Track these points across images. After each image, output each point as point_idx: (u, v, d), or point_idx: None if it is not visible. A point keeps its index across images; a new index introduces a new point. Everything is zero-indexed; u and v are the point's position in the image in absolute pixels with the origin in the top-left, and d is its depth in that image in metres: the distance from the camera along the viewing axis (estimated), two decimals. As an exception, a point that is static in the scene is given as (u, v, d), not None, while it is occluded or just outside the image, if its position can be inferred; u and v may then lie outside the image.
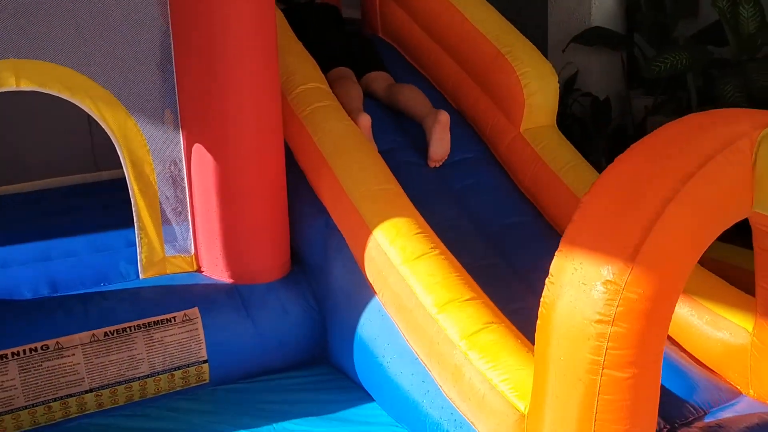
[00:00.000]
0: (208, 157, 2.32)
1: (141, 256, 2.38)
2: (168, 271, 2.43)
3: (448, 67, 2.94)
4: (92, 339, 2.15)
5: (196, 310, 2.30)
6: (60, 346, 2.11)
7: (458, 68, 2.90)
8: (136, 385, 2.23)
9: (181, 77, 2.28)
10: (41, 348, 2.10)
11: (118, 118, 2.23)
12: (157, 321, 2.25)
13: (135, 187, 2.30)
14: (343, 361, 2.33)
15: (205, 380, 2.33)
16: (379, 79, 2.85)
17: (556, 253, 1.54)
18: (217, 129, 2.29)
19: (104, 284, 2.37)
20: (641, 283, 1.39)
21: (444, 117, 2.62)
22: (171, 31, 2.25)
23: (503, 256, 2.39)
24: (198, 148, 2.33)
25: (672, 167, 1.44)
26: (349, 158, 2.31)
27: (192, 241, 2.44)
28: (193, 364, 2.30)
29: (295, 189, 2.47)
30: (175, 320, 2.27)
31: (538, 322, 1.56)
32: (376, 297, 2.17)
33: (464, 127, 2.85)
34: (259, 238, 2.40)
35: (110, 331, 2.18)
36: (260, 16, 2.25)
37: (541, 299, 1.55)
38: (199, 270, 2.47)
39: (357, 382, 2.30)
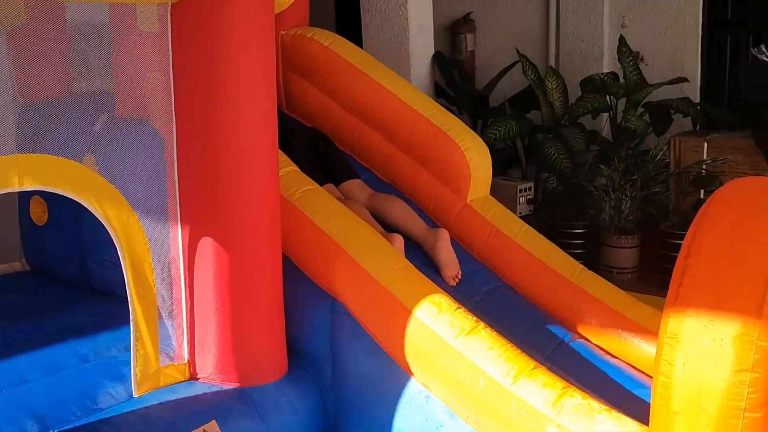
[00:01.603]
0: (210, 255, 2.13)
1: (135, 370, 2.08)
2: (162, 384, 2.16)
3: (377, 143, 3.02)
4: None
5: (214, 423, 2.07)
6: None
7: (389, 144, 2.99)
8: None
9: (184, 174, 2.10)
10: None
11: (121, 215, 1.96)
12: (181, 441, 1.99)
13: (133, 291, 2.03)
14: (368, 450, 2.25)
15: (222, 499, 2.09)
16: (357, 189, 2.81)
17: (666, 314, 1.72)
18: (219, 225, 2.12)
19: (98, 409, 2.03)
20: (766, 332, 1.62)
21: (445, 235, 2.67)
22: (175, 128, 2.07)
23: (498, 322, 2.50)
24: (199, 245, 2.13)
25: (765, 233, 1.71)
26: (362, 239, 2.28)
27: (187, 346, 2.20)
28: (217, 482, 2.06)
29: (286, 278, 2.34)
30: (196, 437, 2.02)
31: (660, 378, 1.71)
32: (413, 378, 2.16)
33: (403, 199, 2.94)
34: (265, 335, 2.24)
35: (134, 464, 1.89)
36: (264, 118, 2.15)
37: (660, 358, 1.71)
38: (193, 378, 2.22)
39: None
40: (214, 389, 2.18)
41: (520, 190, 4.42)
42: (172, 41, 2.02)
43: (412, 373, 2.16)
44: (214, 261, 2.15)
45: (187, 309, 2.18)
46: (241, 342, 2.20)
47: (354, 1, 5.38)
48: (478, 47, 6.28)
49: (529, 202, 4.48)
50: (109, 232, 1.95)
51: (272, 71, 2.14)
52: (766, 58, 4.10)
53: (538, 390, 1.95)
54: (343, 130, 3.09)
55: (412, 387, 2.17)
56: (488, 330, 2.11)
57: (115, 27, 2.02)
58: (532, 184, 4.55)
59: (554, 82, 4.78)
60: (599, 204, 4.35)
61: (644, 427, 1.85)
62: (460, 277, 2.63)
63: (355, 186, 2.82)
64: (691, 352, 1.67)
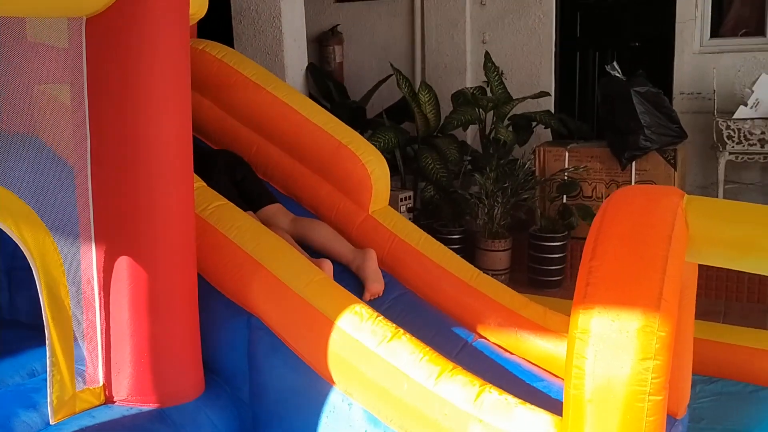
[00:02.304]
0: (126, 275, 2.09)
1: (52, 396, 1.99)
2: (78, 409, 2.08)
3: (277, 156, 3.04)
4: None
5: (137, 446, 2.03)
6: None
7: (289, 158, 3.02)
8: None
9: (97, 193, 2.04)
10: None
11: (37, 237, 1.89)
12: (105, 468, 1.93)
13: (48, 315, 1.95)
14: (291, 461, 2.28)
15: None
16: (279, 214, 2.80)
17: (575, 312, 1.89)
18: (133, 245, 2.09)
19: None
20: (665, 323, 1.83)
21: (373, 255, 2.72)
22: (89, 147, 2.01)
23: (407, 327, 2.60)
24: (114, 266, 2.08)
25: (658, 235, 1.92)
26: (279, 253, 2.31)
27: (102, 369, 2.13)
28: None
29: (200, 295, 2.33)
30: (121, 462, 1.97)
31: (573, 370, 1.88)
32: (335, 387, 2.22)
33: (302, 211, 2.99)
34: (182, 354, 2.22)
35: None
36: (179, 135, 2.12)
37: (573, 352, 1.88)
38: (109, 401, 2.16)
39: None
40: (133, 411, 2.13)
41: (401, 199, 4.58)
42: (86, 56, 1.96)
43: (334, 383, 2.22)
44: (130, 281, 2.10)
45: (102, 331, 2.11)
46: (159, 362, 2.16)
47: (218, 8, 5.34)
48: (346, 59, 6.42)
49: (409, 210, 4.65)
50: (26, 254, 1.87)
51: (187, 87, 2.13)
52: (617, 74, 4.51)
53: (459, 389, 2.07)
54: (239, 143, 3.09)
55: (335, 396, 2.22)
56: (408, 335, 2.21)
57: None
58: (411, 193, 4.73)
59: (427, 96, 5.00)
60: (474, 210, 4.60)
61: (557, 417, 2.02)
62: (380, 294, 2.71)
63: (276, 211, 2.82)
64: (600, 345, 1.84)
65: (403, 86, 4.96)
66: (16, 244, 2.73)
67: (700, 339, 2.59)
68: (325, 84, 5.42)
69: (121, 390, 2.15)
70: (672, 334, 1.84)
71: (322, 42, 6.29)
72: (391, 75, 5.26)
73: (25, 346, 2.47)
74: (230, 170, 2.87)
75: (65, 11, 1.90)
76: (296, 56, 5.10)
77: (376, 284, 2.69)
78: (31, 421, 2.01)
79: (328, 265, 2.52)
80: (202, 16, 2.62)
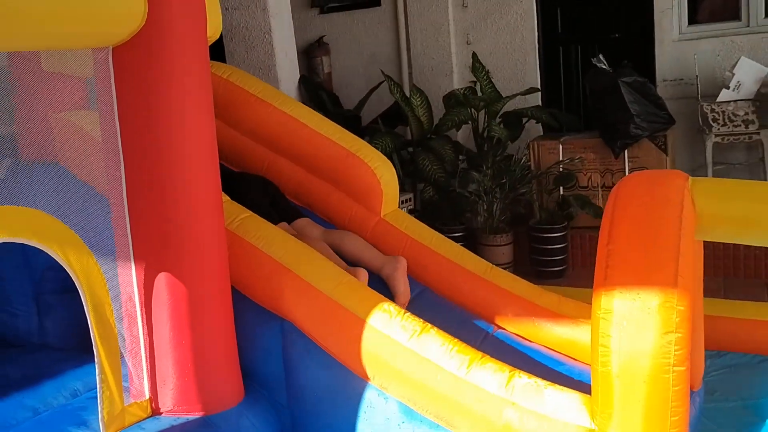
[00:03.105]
0: (165, 290, 2.18)
1: (103, 412, 2.07)
2: (127, 423, 2.16)
3: (288, 168, 3.14)
4: None
5: (189, 454, 2.12)
6: None
7: (299, 169, 3.13)
8: None
9: (134, 215, 2.14)
10: None
11: (81, 259, 1.97)
12: (162, 478, 2.02)
13: (96, 334, 2.04)
14: (331, 459, 2.38)
15: None
16: (309, 227, 2.88)
17: (597, 294, 2.00)
18: (171, 262, 2.18)
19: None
20: (683, 298, 1.94)
21: (404, 263, 2.79)
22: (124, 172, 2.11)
23: (430, 323, 2.70)
24: (154, 282, 2.17)
25: (669, 216, 2.04)
26: (306, 259, 2.41)
27: (148, 382, 2.22)
28: None
29: (234, 305, 2.42)
30: (175, 469, 2.06)
31: (599, 349, 1.99)
32: (370, 383, 2.32)
33: (318, 221, 3.09)
34: (222, 362, 2.31)
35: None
36: (209, 155, 2.23)
37: (598, 331, 1.99)
38: (155, 413, 2.25)
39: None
40: (180, 421, 2.22)
41: (402, 201, 4.68)
42: (115, 84, 2.05)
43: (369, 379, 2.31)
44: (169, 296, 2.19)
45: (145, 346, 2.20)
46: (200, 372, 2.25)
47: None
48: (334, 69, 6.52)
49: (410, 211, 4.76)
50: (72, 276, 1.95)
51: (211, 108, 2.22)
52: (604, 66, 4.65)
53: (490, 376, 2.18)
54: (251, 158, 3.19)
55: (370, 392, 2.32)
56: (435, 329, 2.31)
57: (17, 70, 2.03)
58: (411, 195, 4.84)
59: (419, 99, 5.12)
60: (474, 208, 4.71)
61: (586, 395, 2.13)
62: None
63: (306, 224, 2.92)
64: (623, 322, 1.96)
65: (395, 92, 5.07)
66: (43, 271, 2.84)
67: (707, 315, 2.71)
68: (318, 95, 5.52)
69: (167, 401, 2.24)
70: (690, 307, 1.96)
71: (309, 54, 6.39)
72: (381, 82, 5.38)
73: (62, 368, 2.56)
74: (263, 189, 2.98)
75: (94, 42, 1.99)
76: (288, 69, 5.20)
77: (404, 295, 2.75)
78: (84, 437, 2.09)
79: (363, 273, 2.61)
80: (217, 38, 2.71)
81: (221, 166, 2.73)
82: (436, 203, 4.86)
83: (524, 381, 2.18)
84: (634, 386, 1.95)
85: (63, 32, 1.87)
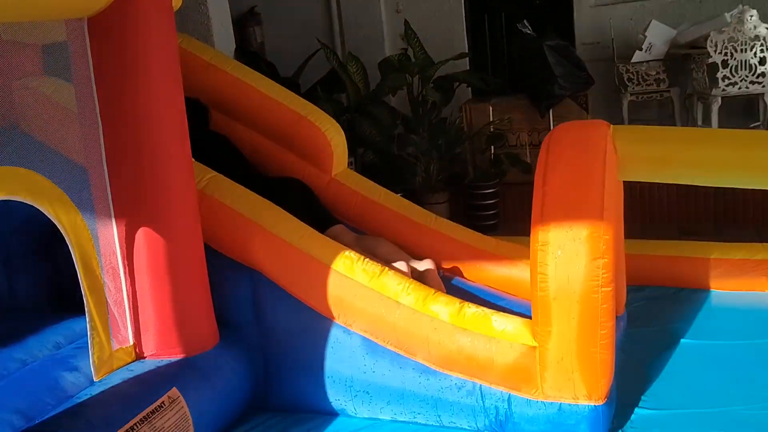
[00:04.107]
0: (144, 244, 2.36)
1: (93, 357, 2.26)
2: (115, 367, 2.35)
3: (241, 132, 3.32)
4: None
5: (175, 390, 2.32)
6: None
7: (253, 132, 3.31)
8: (155, 479, 2.17)
9: (112, 173, 2.30)
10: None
11: (69, 216, 2.14)
12: (153, 410, 2.22)
13: (85, 285, 2.21)
14: (302, 393, 2.61)
15: (190, 454, 2.36)
16: (344, 233, 3.01)
17: (535, 230, 2.29)
18: (148, 217, 2.36)
19: (69, 396, 2.19)
20: (608, 229, 2.25)
21: (433, 265, 2.94)
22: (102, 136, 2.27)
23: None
24: (135, 236, 2.35)
25: (594, 159, 2.34)
26: (272, 213, 2.62)
27: (132, 329, 2.40)
28: (186, 441, 2.32)
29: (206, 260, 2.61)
30: (165, 404, 2.26)
31: (538, 276, 2.28)
32: (336, 322, 2.56)
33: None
34: (198, 309, 2.51)
35: (123, 434, 2.10)
36: (178, 116, 2.40)
37: (536, 262, 2.28)
38: (140, 357, 2.43)
39: (316, 409, 2.62)
40: (164, 362, 2.41)
41: (344, 166, 4.90)
42: (91, 52, 2.20)
43: (334, 318, 2.56)
44: (147, 250, 2.37)
45: (128, 296, 2.38)
46: (179, 318, 2.44)
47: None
48: (267, 39, 6.64)
49: (352, 175, 4.98)
50: (62, 233, 2.11)
51: (179, 73, 2.39)
52: (528, 31, 4.96)
53: (442, 308, 2.45)
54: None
55: (336, 330, 2.56)
56: (393, 272, 2.57)
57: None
58: (352, 159, 5.06)
59: (354, 66, 5.32)
60: (412, 169, 4.98)
61: (527, 319, 2.42)
62: None
63: (341, 231, 3.03)
64: (558, 252, 2.25)
65: (332, 59, 5.26)
66: (9, 235, 2.95)
67: (629, 254, 3.05)
68: (255, 64, 5.64)
69: (150, 346, 2.43)
70: (613, 237, 2.27)
71: (241, 24, 6.48)
72: (317, 50, 5.55)
73: (39, 325, 2.70)
74: (301, 195, 3.11)
75: (71, 13, 2.13)
76: (225, 40, 5.29)
77: None
78: (77, 381, 2.27)
79: (430, 261, 2.84)
80: (179, 6, 2.84)
81: (258, 172, 2.89)
82: (375, 166, 5.10)
83: (473, 310, 2.46)
84: (568, 306, 2.25)
85: (42, 3, 2.01)
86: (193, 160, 2.72)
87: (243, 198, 2.64)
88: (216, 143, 3.18)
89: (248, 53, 5.79)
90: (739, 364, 2.68)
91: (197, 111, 3.16)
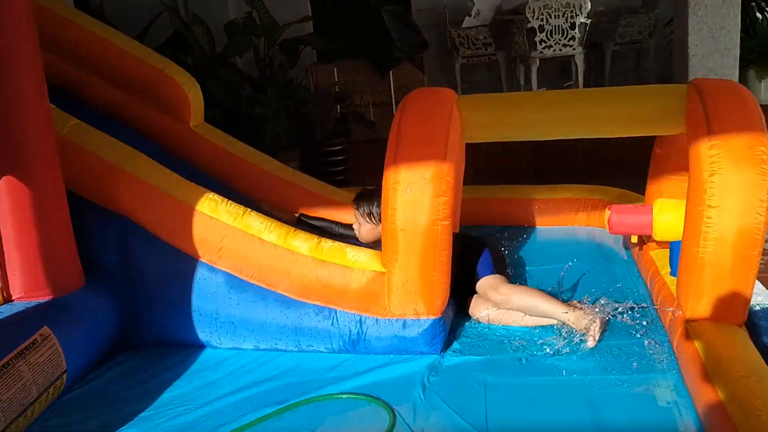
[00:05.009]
0: (6, 193, 2.44)
1: (-38, 300, 2.31)
2: (-16, 309, 2.41)
3: (97, 85, 3.36)
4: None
5: (46, 328, 2.42)
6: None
7: (109, 85, 3.36)
8: (29, 411, 2.28)
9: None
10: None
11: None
12: (27, 347, 2.31)
13: (-47, 231, 2.25)
14: (170, 329, 2.77)
15: (61, 389, 2.47)
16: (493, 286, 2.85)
17: (388, 172, 2.58)
18: (8, 167, 2.43)
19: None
20: (450, 169, 2.58)
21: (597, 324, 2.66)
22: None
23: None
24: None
25: (441, 117, 2.64)
26: (136, 158, 2.73)
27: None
28: (59, 376, 2.43)
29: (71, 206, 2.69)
30: (38, 341, 2.36)
31: (389, 211, 2.57)
32: (201, 261, 2.74)
33: (132, 131, 3.37)
34: (62, 253, 2.60)
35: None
36: (35, 73, 2.47)
37: (387, 199, 2.57)
38: (8, 301, 2.50)
39: (183, 342, 2.80)
40: (33, 304, 2.50)
41: (194, 125, 4.98)
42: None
43: (200, 257, 2.73)
44: (9, 196, 2.44)
45: (-5, 240, 2.44)
46: (44, 262, 2.53)
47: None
48: (105, 1, 6.49)
49: (202, 134, 5.07)
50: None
51: (35, 30, 2.46)
52: (369, -2, 5.24)
53: (302, 242, 2.70)
54: (57, 77, 3.35)
55: (201, 268, 2.74)
56: (254, 212, 2.78)
57: None
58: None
59: (200, 29, 5.37)
60: (262, 129, 5.14)
61: (378, 251, 2.73)
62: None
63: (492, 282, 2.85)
64: (407, 189, 2.56)
65: (176, 21, 5.28)
66: None
67: (464, 197, 3.43)
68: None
69: (17, 289, 2.51)
70: (454, 179, 2.60)
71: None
72: (161, 12, 5.53)
73: None
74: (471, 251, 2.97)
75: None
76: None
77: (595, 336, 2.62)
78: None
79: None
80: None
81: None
82: (225, 127, 5.20)
83: (330, 244, 2.73)
84: (413, 237, 2.57)
85: None
86: (53, 106, 2.78)
87: (106, 144, 2.74)
88: None
89: (90, 15, 5.65)
90: (553, 283, 3.16)
91: None
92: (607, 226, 2.94)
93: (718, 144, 2.35)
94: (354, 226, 3.10)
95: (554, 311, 2.70)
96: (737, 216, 2.31)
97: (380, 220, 2.79)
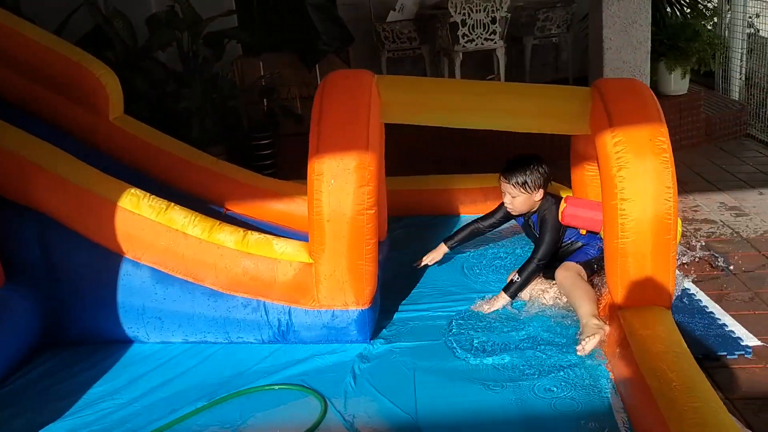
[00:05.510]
0: None
1: None
2: None
3: (11, 78, 3.26)
4: None
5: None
6: None
7: (20, 78, 3.26)
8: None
9: None
10: None
11: None
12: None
13: None
14: (96, 325, 2.73)
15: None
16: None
17: (312, 162, 2.60)
18: None
19: None
20: (372, 161, 2.61)
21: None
22: None
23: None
24: None
25: (361, 103, 2.66)
26: (56, 155, 2.67)
27: None
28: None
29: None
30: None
31: (314, 202, 2.60)
32: (126, 257, 2.70)
33: (50, 127, 3.28)
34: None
35: None
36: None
37: (312, 190, 2.59)
38: None
39: (109, 339, 2.76)
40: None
41: (115, 120, 4.87)
42: None
43: (124, 253, 2.70)
44: None
45: None
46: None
47: None
48: (22, -7, 6.26)
49: (125, 129, 4.97)
50: None
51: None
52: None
53: (228, 236, 2.70)
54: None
55: (126, 264, 2.71)
56: (178, 206, 2.76)
57: None
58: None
59: (121, 23, 5.25)
60: (187, 123, 5.07)
61: (305, 242, 2.75)
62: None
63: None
64: (331, 181, 2.58)
65: (96, 15, 5.15)
66: None
67: (389, 189, 3.47)
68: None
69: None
70: (377, 168, 2.64)
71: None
72: (79, 6, 5.38)
73: None
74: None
75: None
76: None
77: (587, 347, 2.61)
78: None
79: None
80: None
81: None
82: (152, 122, 5.11)
83: (256, 237, 2.74)
84: (339, 227, 2.60)
85: None
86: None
87: (22, 140, 2.67)
88: None
89: (3, 7, 5.46)
90: (467, 265, 3.28)
91: None
92: (559, 216, 3.00)
93: (621, 140, 2.46)
94: (505, 201, 3.08)
95: (579, 306, 2.74)
96: (648, 204, 2.43)
97: (535, 188, 2.96)
